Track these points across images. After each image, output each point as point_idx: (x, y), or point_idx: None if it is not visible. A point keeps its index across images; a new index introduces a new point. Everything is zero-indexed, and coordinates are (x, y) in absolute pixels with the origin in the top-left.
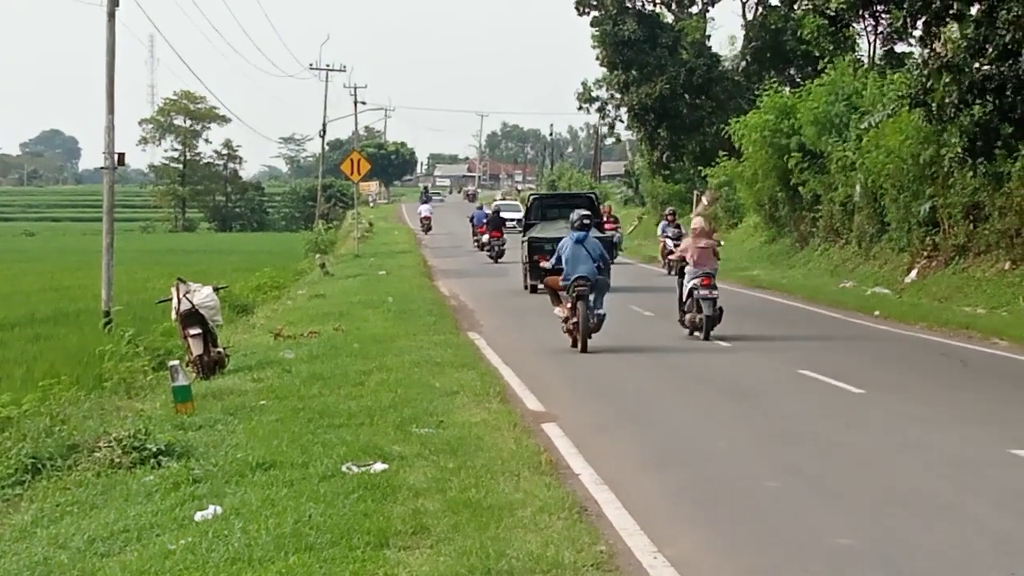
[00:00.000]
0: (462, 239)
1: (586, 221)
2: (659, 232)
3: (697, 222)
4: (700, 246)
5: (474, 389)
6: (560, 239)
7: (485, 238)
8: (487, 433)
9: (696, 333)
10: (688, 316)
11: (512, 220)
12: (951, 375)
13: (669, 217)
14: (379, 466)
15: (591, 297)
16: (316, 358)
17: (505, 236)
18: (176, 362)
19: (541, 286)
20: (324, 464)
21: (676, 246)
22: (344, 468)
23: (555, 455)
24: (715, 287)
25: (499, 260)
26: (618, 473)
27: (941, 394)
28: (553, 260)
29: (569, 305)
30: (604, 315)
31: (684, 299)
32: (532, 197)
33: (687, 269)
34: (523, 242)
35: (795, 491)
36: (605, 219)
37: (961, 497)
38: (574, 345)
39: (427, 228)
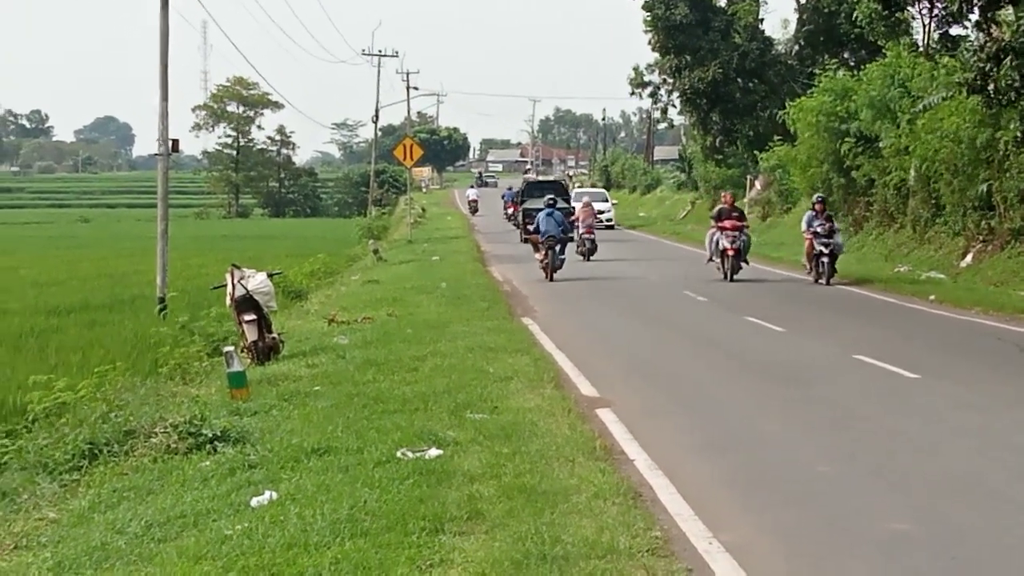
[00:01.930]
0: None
1: (551, 201)
2: (804, 226)
3: (585, 199)
4: (585, 211)
5: (528, 375)
6: (541, 209)
7: (511, 211)
8: (541, 419)
9: (582, 258)
10: (579, 249)
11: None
12: (1007, 360)
13: (818, 206)
14: (434, 452)
15: (556, 248)
16: (370, 344)
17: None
18: (231, 348)
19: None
20: (379, 450)
21: (827, 244)
22: (399, 454)
23: (609, 440)
24: (593, 233)
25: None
26: (672, 458)
27: (997, 379)
28: (533, 226)
29: (543, 253)
30: (564, 259)
31: (577, 241)
32: (525, 182)
33: (579, 223)
34: (520, 211)
35: (849, 476)
36: (729, 212)
37: (1016, 483)
38: (546, 278)
39: (474, 210)
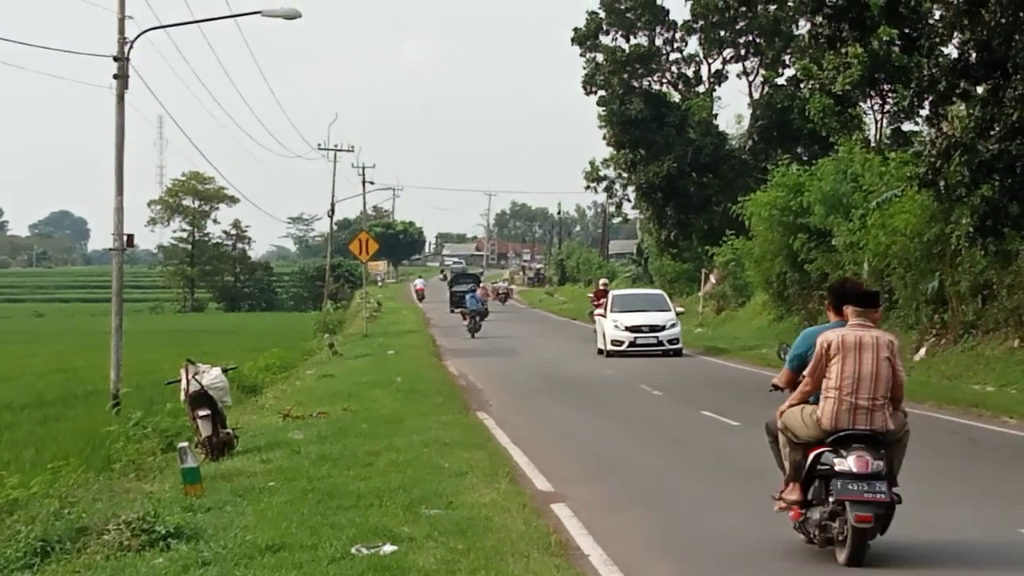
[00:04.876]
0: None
1: (472, 287)
2: None
3: (489, 287)
4: (482, 291)
5: (483, 469)
6: (464, 291)
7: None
8: (496, 514)
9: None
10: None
11: (647, 326)
12: (961, 453)
13: None
14: (388, 548)
15: (476, 318)
16: (325, 439)
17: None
18: (185, 444)
19: (457, 311)
20: (334, 546)
21: None
22: (354, 550)
23: (565, 536)
24: (486, 304)
25: (456, 309)
26: (629, 554)
27: (951, 473)
28: (463, 306)
29: (468, 320)
30: (482, 324)
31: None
32: (452, 275)
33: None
34: (451, 293)
35: (809, 571)
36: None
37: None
38: (471, 336)
39: (421, 298)
